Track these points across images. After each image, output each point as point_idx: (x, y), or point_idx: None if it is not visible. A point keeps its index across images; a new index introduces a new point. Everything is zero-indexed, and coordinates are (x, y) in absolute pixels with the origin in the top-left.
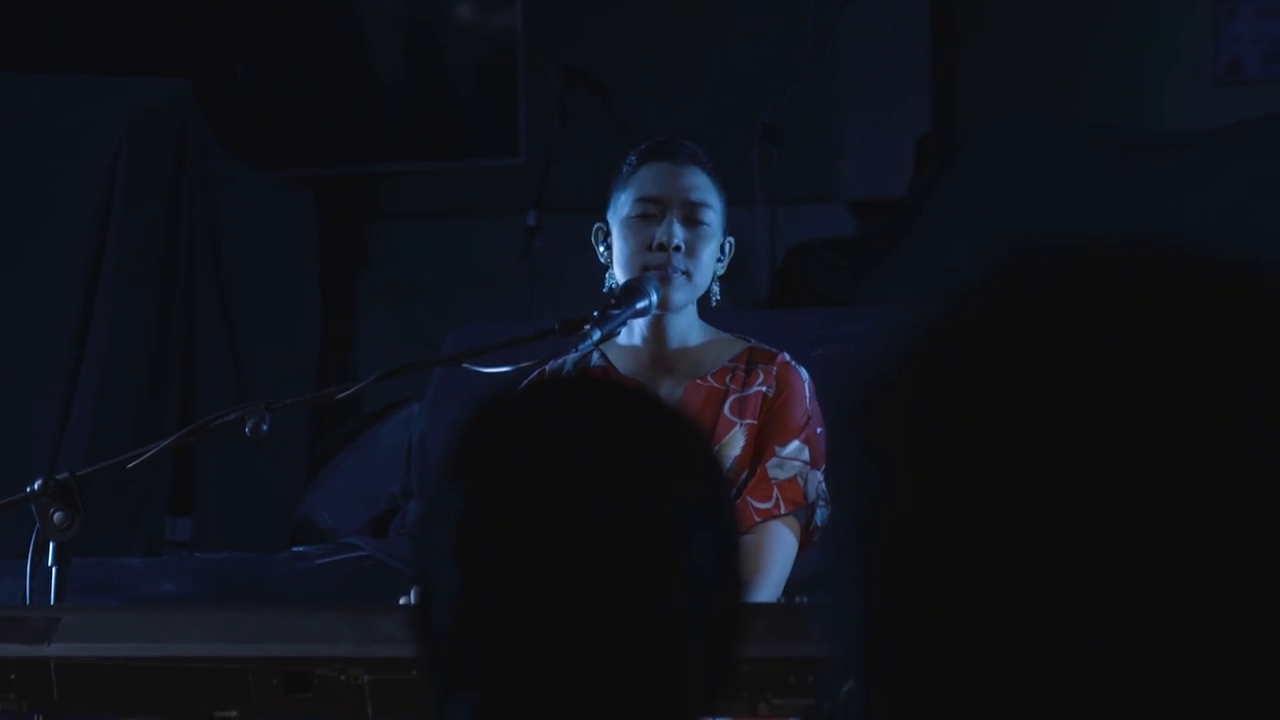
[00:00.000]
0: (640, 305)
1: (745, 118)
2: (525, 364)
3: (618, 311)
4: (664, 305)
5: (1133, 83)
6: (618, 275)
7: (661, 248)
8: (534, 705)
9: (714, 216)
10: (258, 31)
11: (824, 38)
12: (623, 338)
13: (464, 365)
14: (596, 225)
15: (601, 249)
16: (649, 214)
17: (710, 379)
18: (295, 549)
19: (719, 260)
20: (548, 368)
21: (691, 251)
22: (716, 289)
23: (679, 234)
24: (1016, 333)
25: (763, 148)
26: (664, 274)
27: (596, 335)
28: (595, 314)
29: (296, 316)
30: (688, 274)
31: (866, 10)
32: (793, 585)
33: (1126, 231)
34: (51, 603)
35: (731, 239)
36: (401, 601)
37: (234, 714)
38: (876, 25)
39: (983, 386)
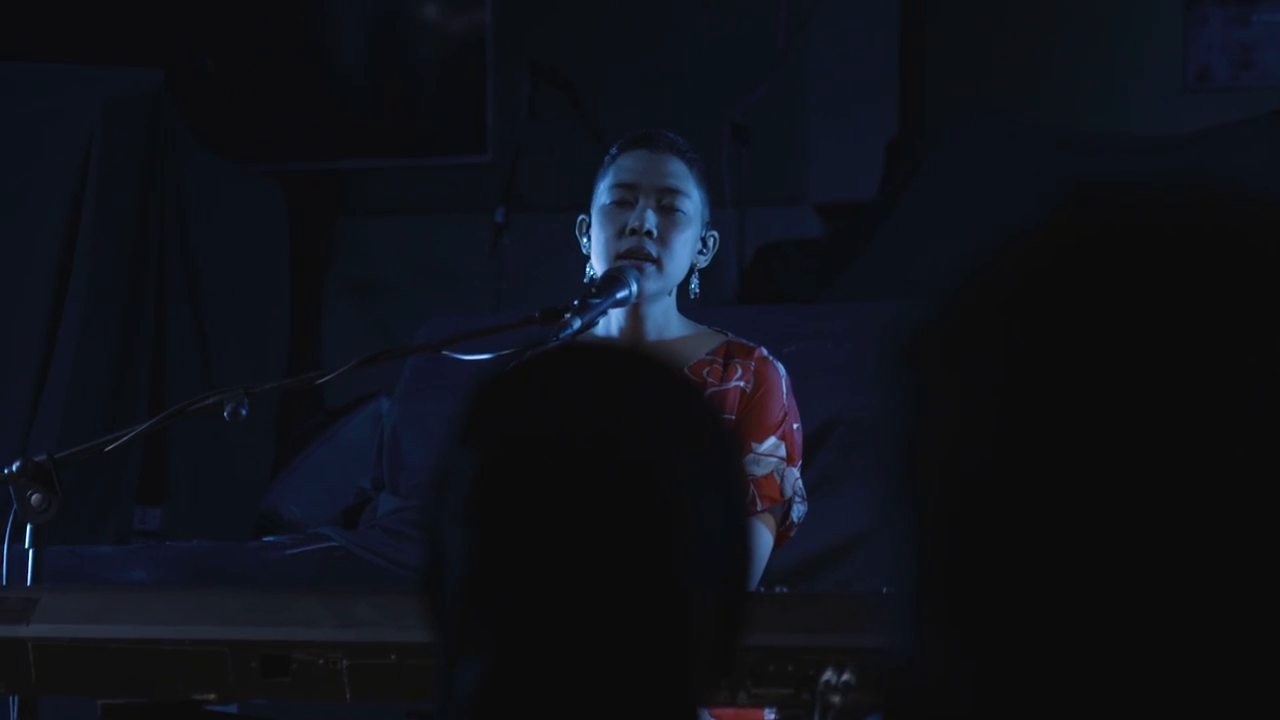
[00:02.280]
0: (620, 295)
1: (715, 118)
2: (506, 351)
3: (598, 300)
4: (637, 298)
5: (1102, 89)
6: (595, 265)
7: (634, 233)
8: (541, 669)
9: (690, 205)
10: (226, 25)
11: (794, 38)
12: (600, 329)
13: (444, 352)
14: (580, 217)
15: (584, 241)
16: (624, 200)
17: (687, 372)
18: (266, 539)
19: (700, 253)
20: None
21: (664, 239)
22: (695, 282)
23: (650, 219)
24: (1069, 265)
25: (732, 148)
26: (636, 262)
27: (577, 324)
28: (575, 303)
29: (266, 308)
30: (658, 262)
31: (836, 12)
32: (771, 579)
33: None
34: (28, 585)
35: (715, 233)
36: None
37: (212, 696)
38: (845, 27)
39: (1035, 317)
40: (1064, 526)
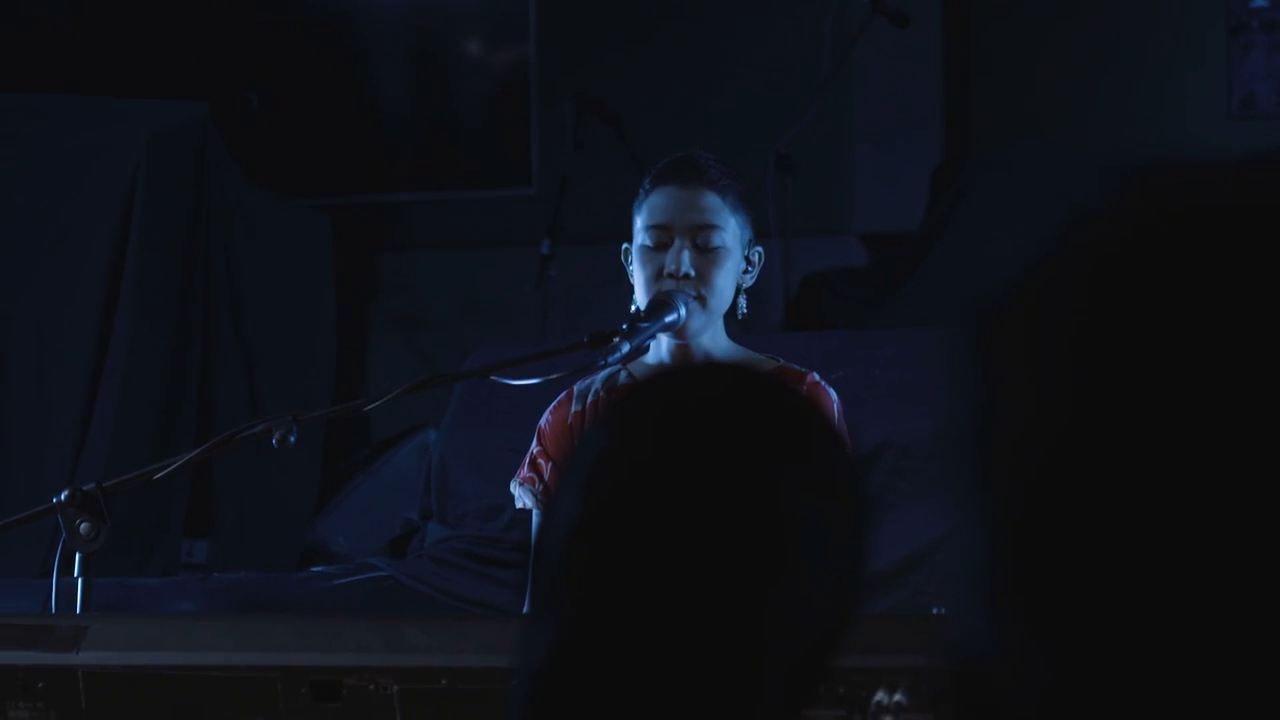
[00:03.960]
0: (669, 319)
1: (759, 148)
2: (554, 375)
3: (646, 325)
4: (680, 333)
5: (1146, 117)
6: (639, 300)
7: (672, 276)
8: (608, 651)
9: (727, 237)
10: (271, 60)
11: (837, 69)
12: (650, 355)
13: (492, 377)
14: (625, 246)
15: (630, 269)
16: (660, 242)
17: None
18: (314, 569)
19: (746, 272)
20: (575, 388)
21: (704, 278)
22: (743, 302)
23: (686, 261)
24: (1141, 243)
25: (777, 179)
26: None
27: (626, 348)
28: (624, 327)
29: (312, 341)
30: (701, 299)
31: (879, 41)
32: None
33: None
34: (78, 614)
35: (760, 249)
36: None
37: None
38: (889, 56)
39: (1108, 297)
40: (1141, 514)
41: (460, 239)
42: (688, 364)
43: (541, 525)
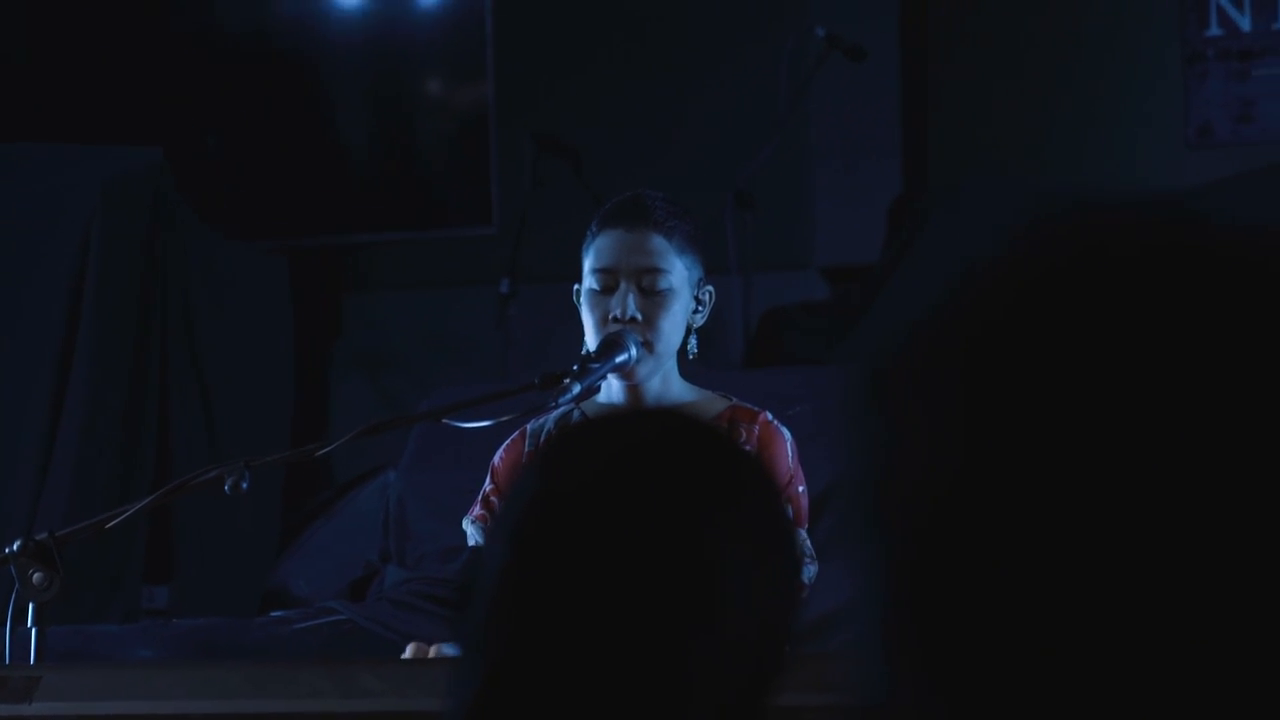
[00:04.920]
0: (619, 360)
1: (718, 184)
2: (506, 418)
3: (597, 365)
4: (628, 376)
5: (1104, 146)
6: (589, 342)
7: (618, 320)
8: (528, 699)
9: (673, 279)
10: (229, 102)
11: (795, 104)
12: (602, 395)
13: (444, 420)
14: (576, 287)
15: (582, 310)
16: (606, 285)
17: None
18: (274, 614)
19: (696, 312)
20: (529, 427)
21: (649, 321)
22: (694, 342)
23: (632, 305)
24: (1033, 292)
25: (736, 214)
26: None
27: (577, 389)
28: (575, 368)
29: (269, 383)
30: (648, 344)
31: (836, 76)
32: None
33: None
34: (31, 664)
35: (710, 288)
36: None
37: None
38: (846, 90)
39: (1000, 344)
40: (1030, 557)
41: (422, 279)
42: (619, 411)
43: (472, 568)
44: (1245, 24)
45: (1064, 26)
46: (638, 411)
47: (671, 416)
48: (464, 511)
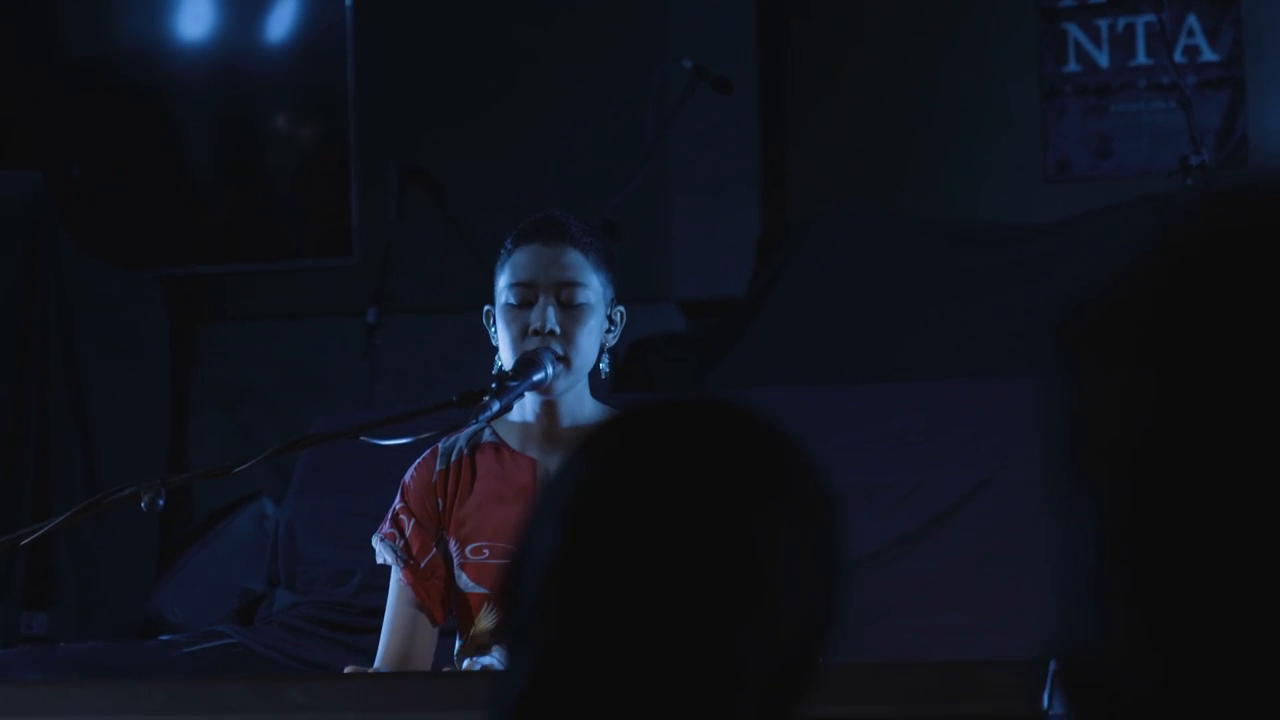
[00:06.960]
0: (537, 377)
1: (584, 215)
2: (425, 435)
3: (515, 383)
4: (545, 391)
5: (963, 179)
6: (504, 360)
7: (537, 333)
8: (580, 686)
9: (590, 294)
10: (90, 131)
11: (661, 135)
12: (515, 414)
13: (362, 438)
14: (486, 308)
15: (492, 331)
16: (524, 299)
17: None
18: (162, 638)
19: (609, 332)
20: (440, 446)
21: (568, 335)
22: (605, 362)
23: (551, 318)
24: (1207, 254)
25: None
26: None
27: (495, 406)
28: (493, 385)
29: (147, 409)
30: (566, 360)
31: (699, 107)
32: None
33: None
34: None
35: (622, 309)
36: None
37: None
38: (707, 122)
39: (1183, 301)
40: (1240, 509)
41: (279, 310)
42: (664, 400)
43: (515, 557)
44: (1103, 60)
45: (924, 60)
46: (684, 400)
47: (719, 403)
48: (353, 535)
